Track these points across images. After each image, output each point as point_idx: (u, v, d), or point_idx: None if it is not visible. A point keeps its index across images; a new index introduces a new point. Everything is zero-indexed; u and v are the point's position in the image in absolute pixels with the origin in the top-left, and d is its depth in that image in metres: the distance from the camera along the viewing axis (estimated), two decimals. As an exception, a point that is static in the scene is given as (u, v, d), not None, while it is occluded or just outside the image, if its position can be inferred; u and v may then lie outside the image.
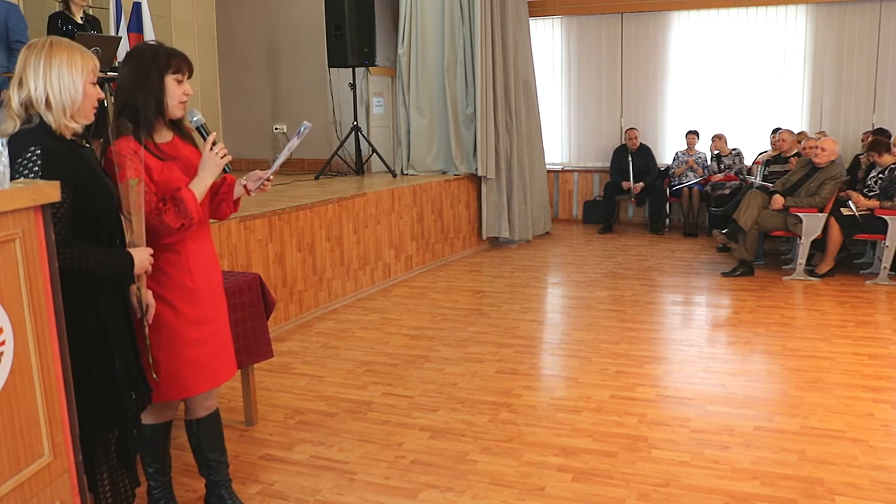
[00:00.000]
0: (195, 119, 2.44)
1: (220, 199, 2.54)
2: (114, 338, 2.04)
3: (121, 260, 2.03)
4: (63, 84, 1.90)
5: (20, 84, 1.91)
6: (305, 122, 2.53)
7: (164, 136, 2.35)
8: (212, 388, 2.50)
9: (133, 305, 2.21)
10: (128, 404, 2.09)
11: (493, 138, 7.63)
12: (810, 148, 6.46)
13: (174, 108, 2.32)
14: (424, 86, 7.71)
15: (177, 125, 2.40)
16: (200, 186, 2.33)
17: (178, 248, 2.35)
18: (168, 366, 2.35)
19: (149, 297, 2.24)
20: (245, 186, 2.55)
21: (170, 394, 2.39)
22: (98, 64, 2.00)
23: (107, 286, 2.03)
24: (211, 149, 2.34)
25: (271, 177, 2.55)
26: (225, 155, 2.36)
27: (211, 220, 2.57)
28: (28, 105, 1.90)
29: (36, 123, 1.90)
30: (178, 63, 2.29)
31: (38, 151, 1.84)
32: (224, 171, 2.40)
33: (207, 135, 2.39)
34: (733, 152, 8.37)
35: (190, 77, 2.34)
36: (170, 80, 2.28)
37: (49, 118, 1.90)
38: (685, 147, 8.71)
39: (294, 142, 2.51)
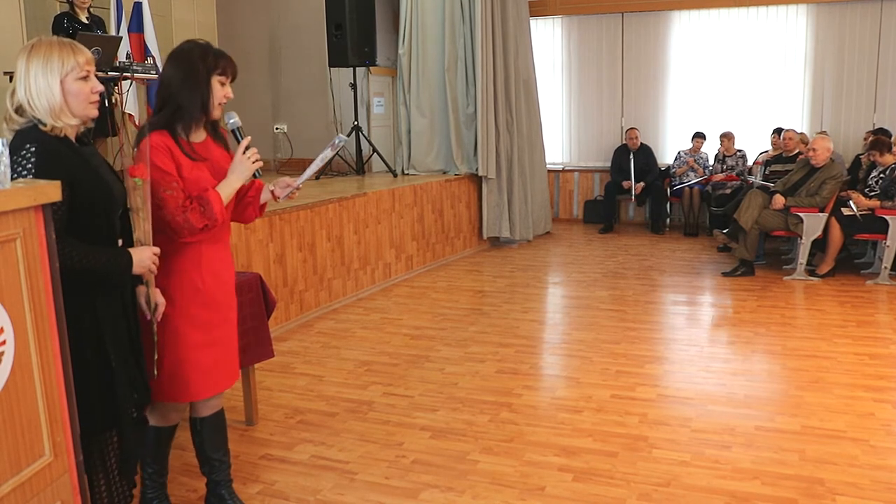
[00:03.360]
0: (232, 122, 2.44)
1: (247, 203, 2.55)
2: (110, 337, 2.03)
3: (116, 259, 2.01)
4: (39, 88, 1.89)
5: (13, 90, 1.92)
6: (341, 135, 2.56)
7: (198, 135, 2.36)
8: (213, 395, 2.49)
9: (141, 306, 2.20)
10: (124, 405, 2.07)
11: (494, 138, 7.63)
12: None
13: (215, 109, 2.33)
14: (425, 85, 7.71)
15: (212, 126, 2.41)
16: (227, 189, 2.33)
17: (194, 249, 2.35)
18: (170, 367, 2.34)
19: (157, 296, 2.23)
20: (273, 192, 2.54)
21: (172, 395, 2.39)
22: (90, 57, 1.98)
23: (104, 285, 2.02)
24: (244, 152, 2.34)
25: (300, 185, 2.55)
26: (257, 160, 2.35)
27: (234, 222, 2.59)
28: (20, 109, 1.91)
29: (32, 124, 1.91)
30: (225, 65, 2.32)
31: (33, 149, 1.85)
32: (254, 176, 2.39)
33: (242, 138, 2.39)
34: (738, 153, 8.35)
35: (233, 81, 2.36)
36: (214, 81, 2.30)
37: (41, 119, 1.90)
38: (688, 146, 8.70)
39: (328, 153, 2.53)
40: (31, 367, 1.55)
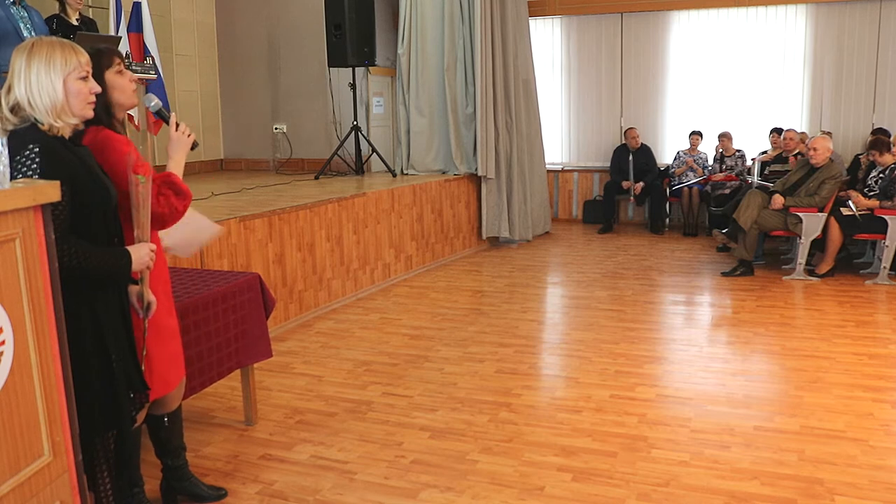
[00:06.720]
0: (153, 104, 2.45)
1: None
2: (110, 336, 2.03)
3: (117, 258, 2.02)
4: (41, 86, 1.88)
5: (8, 89, 1.91)
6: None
7: None
8: (184, 377, 2.57)
9: (133, 304, 2.21)
10: (125, 403, 2.08)
11: (493, 138, 7.63)
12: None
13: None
14: (424, 86, 7.71)
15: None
16: (177, 168, 2.37)
17: (156, 235, 2.37)
18: (160, 359, 2.38)
19: (150, 294, 2.24)
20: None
21: (164, 388, 2.43)
22: (88, 59, 1.98)
23: (103, 284, 2.02)
24: (176, 129, 2.39)
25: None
26: (190, 133, 2.40)
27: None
28: (17, 108, 1.90)
29: (29, 124, 1.90)
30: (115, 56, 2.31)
31: (37, 149, 1.84)
32: (193, 147, 2.43)
33: (167, 117, 2.43)
34: (737, 153, 8.35)
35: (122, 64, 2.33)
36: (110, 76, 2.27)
37: (39, 119, 1.90)
38: (687, 146, 8.71)
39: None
40: (31, 367, 1.55)
